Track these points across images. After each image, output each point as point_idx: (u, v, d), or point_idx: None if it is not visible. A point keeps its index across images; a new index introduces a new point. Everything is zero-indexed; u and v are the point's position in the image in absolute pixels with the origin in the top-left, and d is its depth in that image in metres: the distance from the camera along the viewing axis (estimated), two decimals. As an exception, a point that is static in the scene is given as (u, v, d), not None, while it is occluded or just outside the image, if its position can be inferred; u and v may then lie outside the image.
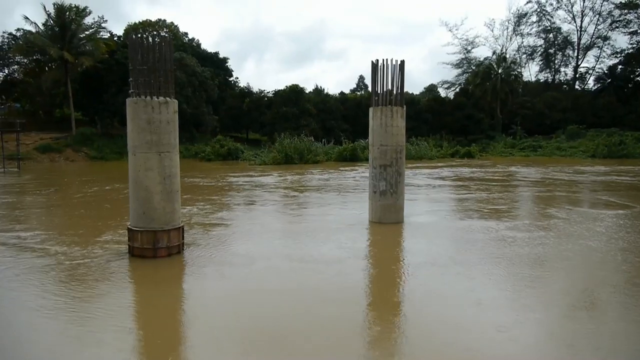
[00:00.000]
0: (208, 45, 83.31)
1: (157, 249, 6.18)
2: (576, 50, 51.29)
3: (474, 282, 5.29)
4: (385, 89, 8.63)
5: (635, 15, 46.37)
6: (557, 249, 6.75)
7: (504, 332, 3.93)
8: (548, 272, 5.72)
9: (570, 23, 54.97)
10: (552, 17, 51.36)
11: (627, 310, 4.46)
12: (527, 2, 51.56)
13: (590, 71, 52.58)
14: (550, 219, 9.08)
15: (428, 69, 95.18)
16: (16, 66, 40.23)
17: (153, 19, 47.49)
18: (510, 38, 52.77)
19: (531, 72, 67.19)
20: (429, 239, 7.63)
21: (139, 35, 6.22)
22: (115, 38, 39.00)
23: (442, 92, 56.37)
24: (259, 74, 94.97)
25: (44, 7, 33.82)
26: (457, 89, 52.31)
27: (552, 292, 5.04)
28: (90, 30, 35.63)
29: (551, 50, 53.07)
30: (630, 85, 47.66)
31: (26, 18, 33.02)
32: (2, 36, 38.92)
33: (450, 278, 5.45)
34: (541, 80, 54.77)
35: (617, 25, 48.31)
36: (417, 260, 6.28)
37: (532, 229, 8.16)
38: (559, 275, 5.68)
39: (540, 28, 52.26)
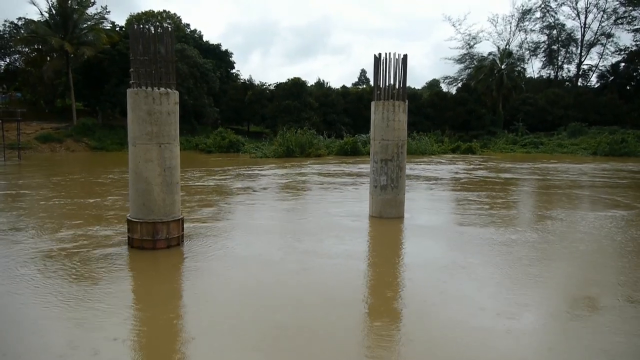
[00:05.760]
0: (214, 39, 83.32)
1: (156, 240, 6.17)
2: (579, 47, 51.11)
3: (473, 282, 5.28)
4: (387, 83, 8.59)
5: (640, 12, 46.12)
6: (557, 250, 6.74)
7: (505, 333, 3.93)
8: (549, 273, 5.71)
9: (574, 19, 54.68)
10: (556, 13, 51.17)
11: (626, 312, 4.46)
12: (532, -2, 51.36)
13: (593, 68, 52.42)
14: (550, 219, 9.07)
15: (431, 65, 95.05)
16: (17, 55, 40.10)
17: (158, 10, 47.33)
18: (514, 34, 52.54)
19: (534, 68, 66.96)
20: (428, 236, 7.62)
21: (141, 26, 6.19)
22: (118, 28, 38.86)
23: (444, 88, 56.23)
24: (263, 67, 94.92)
25: (48, -5, 33.77)
26: (460, 85, 52.08)
27: (553, 293, 5.03)
28: (92, 21, 35.51)
29: (554, 47, 52.81)
30: (633, 83, 47.46)
31: (32, 3, 32.89)
32: (4, 25, 38.80)
33: (449, 277, 5.44)
34: (544, 77, 54.56)
35: (621, 22, 48.12)
36: (416, 258, 6.28)
37: (532, 228, 8.14)
38: (560, 276, 5.67)
39: (544, 24, 52.05)
